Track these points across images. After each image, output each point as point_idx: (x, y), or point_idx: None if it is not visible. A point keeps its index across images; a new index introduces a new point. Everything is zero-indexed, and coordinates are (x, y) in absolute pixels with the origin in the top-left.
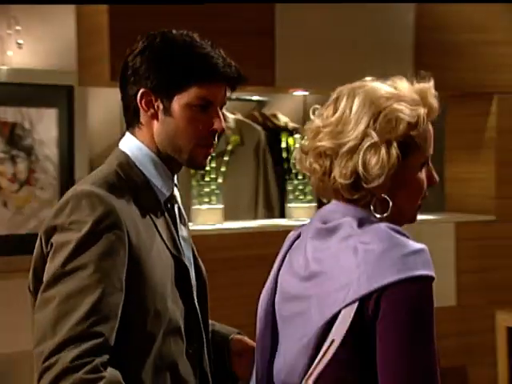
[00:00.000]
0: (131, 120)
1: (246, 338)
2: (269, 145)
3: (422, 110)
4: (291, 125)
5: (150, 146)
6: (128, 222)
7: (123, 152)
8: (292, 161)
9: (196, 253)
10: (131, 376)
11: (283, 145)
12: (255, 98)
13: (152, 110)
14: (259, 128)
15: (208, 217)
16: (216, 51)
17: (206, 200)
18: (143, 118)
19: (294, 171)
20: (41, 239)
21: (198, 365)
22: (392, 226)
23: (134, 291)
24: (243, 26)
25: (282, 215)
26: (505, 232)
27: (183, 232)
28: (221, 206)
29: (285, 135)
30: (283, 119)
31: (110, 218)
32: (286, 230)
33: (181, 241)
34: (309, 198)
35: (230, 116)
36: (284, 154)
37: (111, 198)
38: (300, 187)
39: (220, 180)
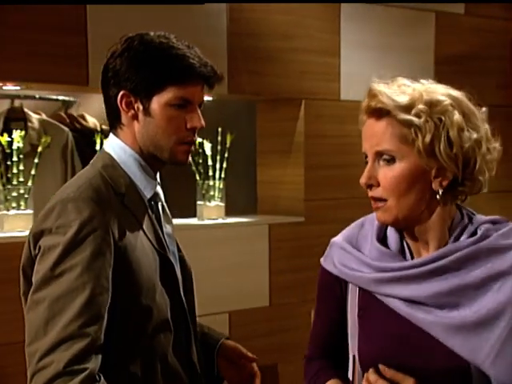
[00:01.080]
0: (113, 121)
1: (240, 347)
2: (79, 146)
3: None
4: (100, 126)
5: (132, 146)
6: (113, 223)
7: (108, 153)
8: None
9: (180, 247)
10: (122, 370)
11: (97, 147)
12: (61, 97)
13: (132, 111)
14: (66, 129)
15: (16, 223)
16: (192, 51)
17: (14, 205)
18: (124, 119)
19: None
20: (29, 242)
21: (186, 356)
22: None
23: (122, 289)
24: (56, 23)
25: None
26: (313, 232)
27: (167, 229)
28: (30, 212)
29: (98, 137)
30: (91, 120)
31: (95, 220)
32: None
33: (165, 237)
34: None
35: (34, 116)
36: None
37: (96, 200)
38: None
39: (30, 183)
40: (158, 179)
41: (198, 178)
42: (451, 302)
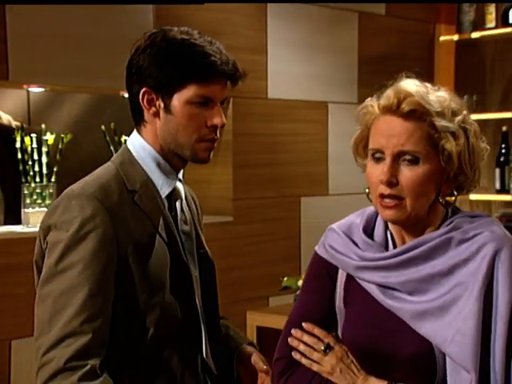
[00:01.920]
0: (137, 118)
1: (256, 355)
2: None
3: None
4: (14, 123)
5: (153, 143)
6: (119, 221)
7: (128, 149)
8: (29, 162)
9: (204, 244)
10: (126, 366)
11: (17, 144)
12: None
13: (154, 109)
14: None
15: None
16: (214, 47)
17: None
18: (146, 116)
19: (31, 173)
20: (39, 237)
21: (195, 355)
22: None
23: (127, 287)
24: None
25: (18, 221)
26: (242, 232)
27: (184, 227)
28: None
29: (19, 134)
30: (5, 117)
31: (98, 218)
32: (22, 238)
33: (181, 235)
34: (48, 202)
35: None
36: (19, 155)
37: (101, 198)
38: (38, 190)
39: None
40: (181, 176)
41: None
42: (421, 288)
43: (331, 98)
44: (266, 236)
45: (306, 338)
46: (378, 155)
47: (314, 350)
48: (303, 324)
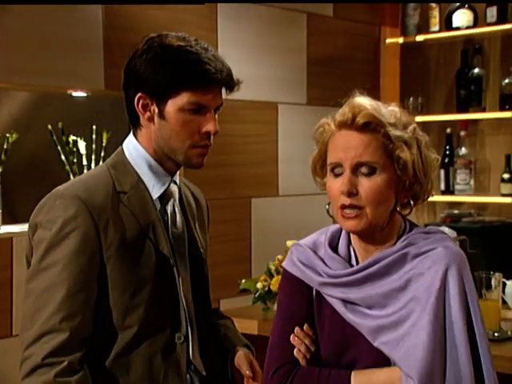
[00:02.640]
0: (133, 121)
1: (242, 360)
2: None
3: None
4: None
5: (147, 146)
6: (103, 222)
7: (122, 151)
8: None
9: (200, 245)
10: (106, 365)
11: None
12: None
13: (148, 114)
14: None
15: None
16: (209, 55)
17: None
18: (142, 120)
19: None
20: (29, 234)
21: (178, 356)
22: None
23: (110, 286)
24: None
25: None
26: None
27: (175, 228)
28: None
29: None
30: None
31: (79, 218)
32: None
33: (170, 236)
34: None
35: None
36: None
37: (86, 199)
38: None
39: None
40: (177, 179)
41: (72, 178)
42: (379, 303)
43: (281, 98)
44: (217, 238)
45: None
46: (337, 170)
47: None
48: (296, 329)
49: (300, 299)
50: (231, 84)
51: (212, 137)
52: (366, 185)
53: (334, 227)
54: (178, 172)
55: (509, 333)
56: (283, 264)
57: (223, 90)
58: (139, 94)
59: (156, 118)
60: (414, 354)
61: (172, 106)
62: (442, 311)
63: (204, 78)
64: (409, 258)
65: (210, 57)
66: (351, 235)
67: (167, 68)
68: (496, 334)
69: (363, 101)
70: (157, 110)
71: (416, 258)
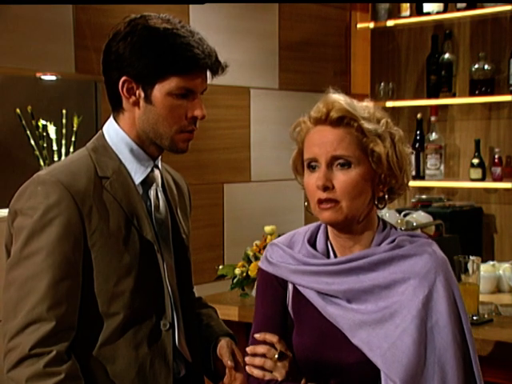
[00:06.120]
0: (115, 105)
1: (224, 350)
2: None
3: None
4: None
5: (129, 131)
6: (86, 208)
7: (103, 135)
8: None
9: (185, 230)
10: (92, 353)
11: None
12: None
13: (133, 98)
14: None
15: None
16: (196, 39)
17: None
18: (125, 104)
19: None
20: (8, 221)
21: (164, 342)
22: None
23: (93, 273)
24: None
25: None
26: None
27: (158, 214)
28: None
29: None
30: None
31: (62, 205)
32: None
33: (154, 222)
34: None
35: None
36: None
37: (67, 185)
38: None
39: None
40: (159, 164)
41: (42, 163)
42: (360, 297)
43: (253, 83)
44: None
45: (258, 348)
46: (313, 164)
47: (267, 358)
48: (256, 335)
49: (273, 300)
50: (219, 69)
51: (197, 121)
52: (341, 178)
53: (313, 225)
54: (160, 157)
55: (486, 316)
56: (259, 264)
57: (208, 74)
58: (124, 78)
59: (142, 103)
60: (399, 359)
61: (159, 90)
62: (430, 317)
63: (193, 62)
64: (396, 260)
65: (197, 40)
66: (329, 230)
67: (155, 52)
68: (475, 318)
69: (337, 97)
70: (143, 95)
71: (403, 260)
